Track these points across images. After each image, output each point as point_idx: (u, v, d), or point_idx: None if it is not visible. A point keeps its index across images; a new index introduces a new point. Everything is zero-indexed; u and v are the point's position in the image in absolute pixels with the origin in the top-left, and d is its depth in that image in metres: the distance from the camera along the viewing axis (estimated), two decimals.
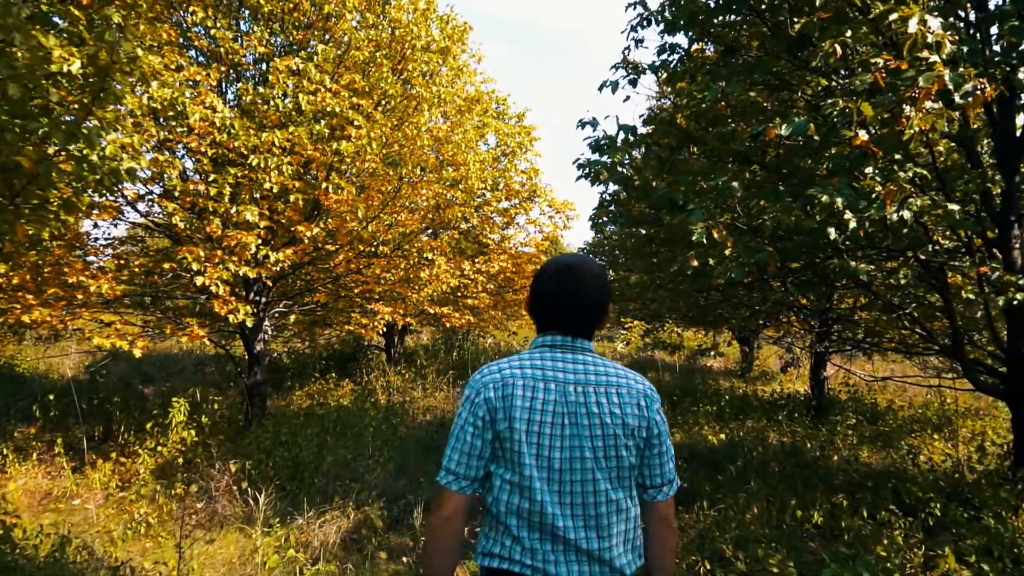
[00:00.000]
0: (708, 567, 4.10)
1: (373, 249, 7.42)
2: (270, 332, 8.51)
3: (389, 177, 7.35)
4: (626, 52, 4.85)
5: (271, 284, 7.45)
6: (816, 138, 3.14)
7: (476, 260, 10.35)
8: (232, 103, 7.11)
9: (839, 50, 3.11)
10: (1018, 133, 3.99)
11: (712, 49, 5.20)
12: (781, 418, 8.33)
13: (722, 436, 7.50)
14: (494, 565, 1.69)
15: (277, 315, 8.37)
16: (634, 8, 5.10)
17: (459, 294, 10.15)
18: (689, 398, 9.62)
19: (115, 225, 7.32)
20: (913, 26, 2.54)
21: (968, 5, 3.88)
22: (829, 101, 2.77)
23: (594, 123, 4.36)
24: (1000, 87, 3.21)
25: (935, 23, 2.58)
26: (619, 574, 1.67)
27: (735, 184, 3.43)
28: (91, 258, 6.70)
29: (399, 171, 7.33)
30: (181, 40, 6.74)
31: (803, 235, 3.68)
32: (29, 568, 3.66)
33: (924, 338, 5.39)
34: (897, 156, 3.27)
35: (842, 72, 4.24)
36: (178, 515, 5.02)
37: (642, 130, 4.94)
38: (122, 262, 6.69)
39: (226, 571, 4.15)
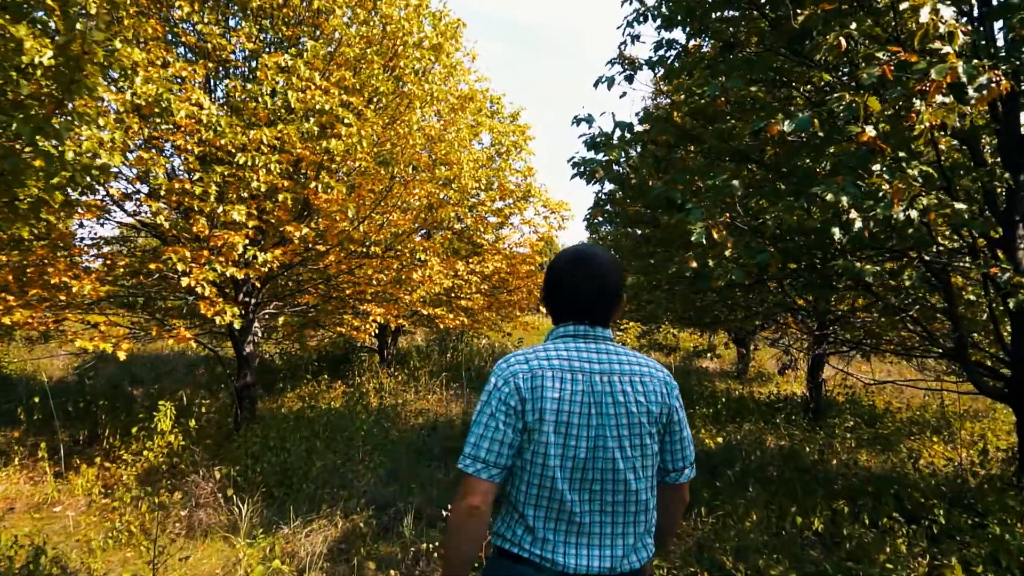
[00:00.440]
0: None
1: (365, 249, 7.28)
2: (260, 334, 8.37)
3: (380, 176, 7.21)
4: (622, 48, 4.73)
5: (260, 285, 7.32)
6: (820, 134, 3.02)
7: (470, 261, 10.22)
8: (221, 101, 6.97)
9: (843, 43, 3.00)
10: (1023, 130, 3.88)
11: (709, 46, 5.09)
12: (779, 421, 8.22)
13: (719, 439, 7.38)
14: (505, 547, 1.71)
15: (267, 316, 8.23)
16: (630, 3, 4.98)
17: (453, 295, 10.02)
18: (685, 400, 9.46)
19: (101, 224, 7.18)
20: (925, 16, 2.43)
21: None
22: (835, 95, 2.65)
23: (589, 120, 4.23)
24: (1010, 81, 3.10)
25: (948, 12, 2.47)
26: (634, 563, 1.69)
27: (735, 183, 3.31)
28: (76, 258, 6.55)
29: (391, 170, 7.19)
30: (169, 36, 6.60)
31: (805, 235, 3.57)
32: None
33: (925, 340, 5.29)
34: (901, 154, 3.16)
35: (845, 69, 4.14)
36: (161, 523, 4.88)
37: (638, 128, 4.83)
38: (108, 262, 6.55)
39: None
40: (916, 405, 9.91)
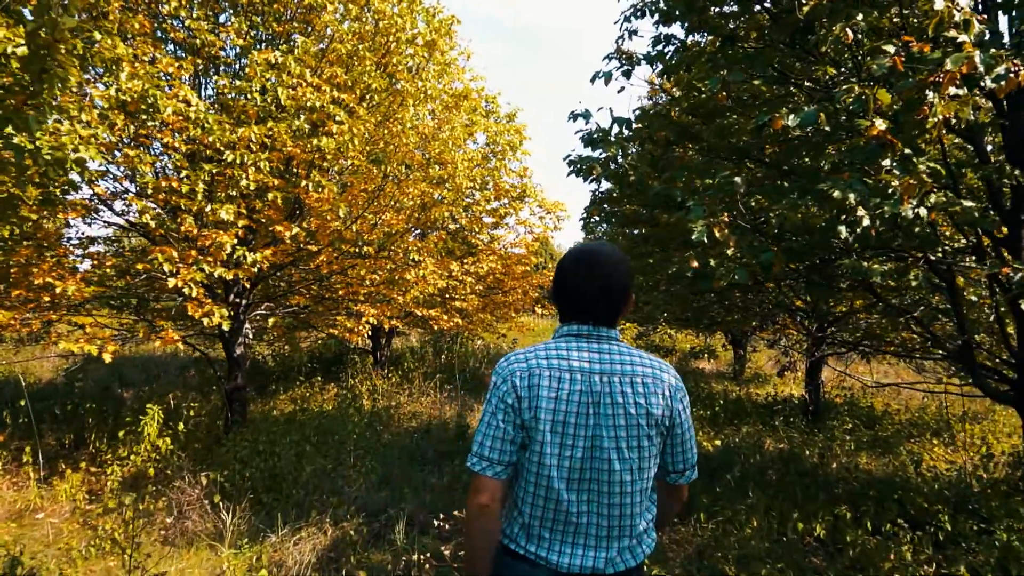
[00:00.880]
0: None
1: (357, 249, 7.15)
2: (251, 335, 8.23)
3: (373, 175, 7.09)
4: (619, 43, 4.61)
5: (250, 286, 7.18)
6: (827, 128, 2.91)
7: (465, 261, 10.11)
8: (211, 99, 6.84)
9: (850, 34, 2.89)
10: None
11: (707, 43, 4.98)
12: (778, 423, 8.12)
13: (717, 442, 7.27)
14: (505, 543, 1.74)
15: (259, 318, 8.09)
16: None
17: (447, 296, 9.90)
18: None
19: (89, 224, 7.04)
20: (940, 2, 2.32)
21: None
22: (844, 87, 2.54)
23: (586, 115, 4.12)
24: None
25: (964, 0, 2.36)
26: (629, 561, 1.70)
27: (738, 179, 3.19)
28: (63, 259, 6.40)
29: (383, 168, 7.07)
30: (158, 33, 6.46)
31: (809, 234, 3.46)
32: None
33: (928, 342, 5.19)
34: (907, 151, 3.06)
35: (848, 65, 4.03)
36: (146, 530, 4.74)
37: (636, 125, 4.72)
38: (95, 263, 6.42)
39: None
40: (915, 407, 9.83)
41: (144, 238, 7.28)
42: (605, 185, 5.04)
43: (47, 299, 5.57)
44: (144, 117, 5.46)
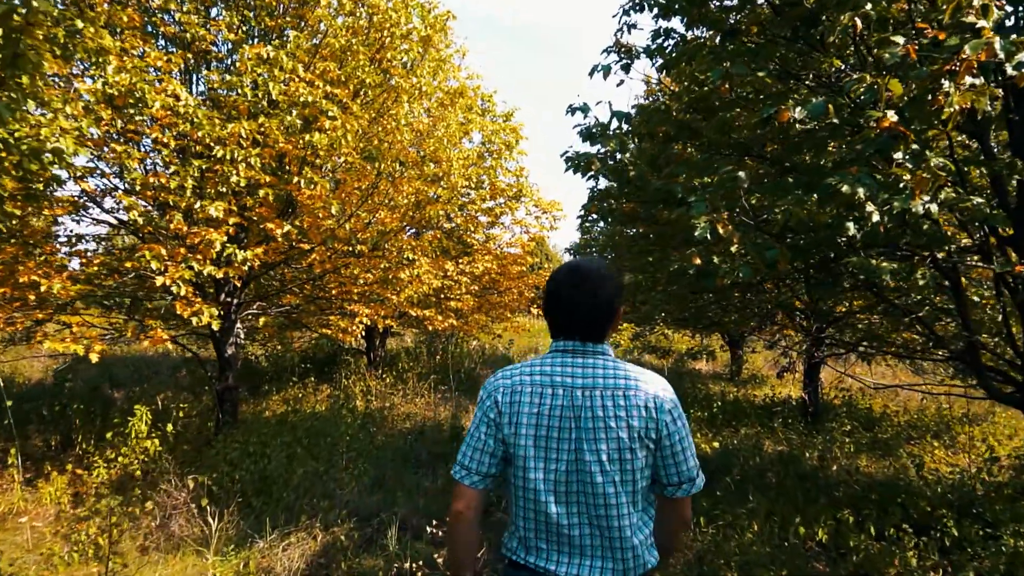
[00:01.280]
0: None
1: (351, 248, 7.04)
2: (242, 335, 8.10)
3: (367, 172, 6.97)
4: (618, 35, 4.51)
5: (241, 285, 7.06)
6: (835, 120, 2.81)
7: (460, 261, 10.00)
8: (203, 96, 6.71)
9: (859, 23, 2.79)
10: None
11: (707, 36, 4.88)
12: (776, 425, 8.03)
13: (715, 444, 7.17)
14: (508, 555, 1.81)
15: (251, 317, 7.97)
16: None
17: (442, 296, 9.79)
18: (680, 403, 9.23)
19: (77, 222, 6.91)
20: None
21: None
22: (855, 77, 2.44)
23: (585, 109, 4.00)
24: None
25: None
26: (630, 573, 1.71)
27: (741, 174, 3.09)
28: (50, 257, 6.27)
29: (377, 166, 6.95)
30: (148, 28, 6.34)
31: (814, 231, 3.35)
32: None
33: (932, 342, 5.10)
34: (915, 146, 2.96)
35: (852, 60, 3.93)
36: (133, 534, 4.62)
37: (635, 121, 4.61)
38: (83, 261, 6.30)
39: None
40: (913, 408, 9.75)
41: (135, 235, 7.16)
42: (604, 182, 4.91)
43: (33, 297, 5.44)
44: (132, 112, 5.34)
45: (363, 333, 10.73)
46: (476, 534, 1.79)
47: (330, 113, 5.96)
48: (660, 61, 4.45)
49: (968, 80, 2.26)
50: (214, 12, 6.83)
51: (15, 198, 4.37)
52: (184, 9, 6.15)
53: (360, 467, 5.77)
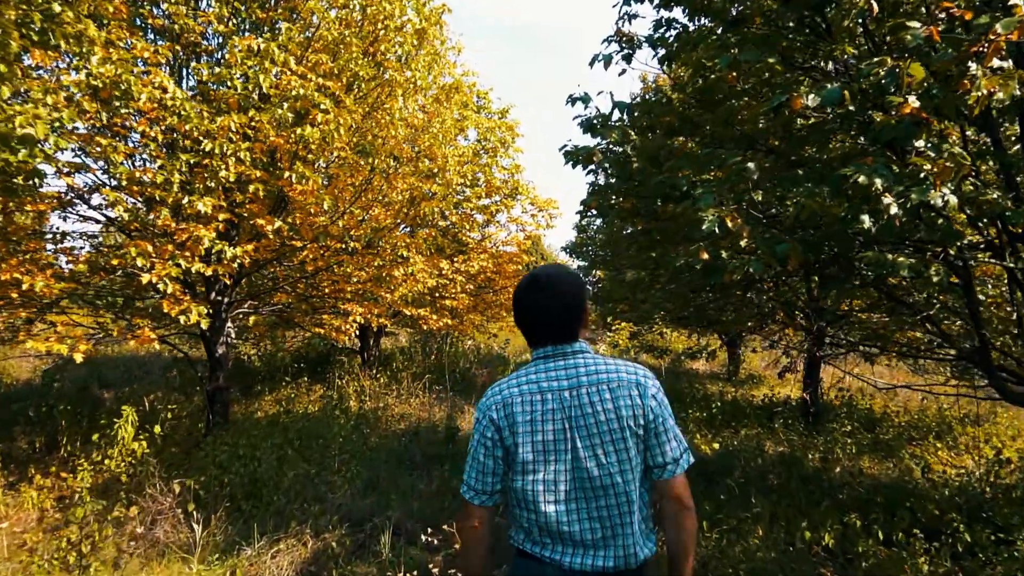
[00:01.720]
0: None
1: (344, 245, 6.89)
2: (233, 334, 7.95)
3: (360, 168, 6.82)
4: (619, 23, 4.37)
5: (232, 283, 6.90)
6: (851, 108, 2.68)
7: (455, 259, 9.85)
8: (194, 91, 6.54)
9: (875, 6, 2.66)
10: None
11: (709, 27, 4.75)
12: (777, 426, 7.90)
13: (715, 445, 7.03)
14: (516, 546, 1.85)
15: (242, 316, 7.81)
16: None
17: (437, 295, 9.64)
18: (678, 403, 9.14)
19: (64, 219, 6.73)
20: None
21: None
22: (875, 60, 2.31)
23: (586, 99, 3.86)
24: None
25: None
26: (630, 561, 1.75)
27: (751, 165, 2.95)
28: (35, 254, 6.10)
29: (371, 161, 6.80)
30: (137, 22, 6.17)
31: (827, 225, 3.22)
32: None
33: (941, 342, 4.98)
34: (923, 142, 2.83)
35: (864, 47, 3.80)
36: (117, 540, 4.45)
37: (637, 114, 4.48)
38: (70, 258, 6.14)
39: None
40: (914, 408, 9.65)
41: (121, 232, 6.99)
42: (604, 178, 4.77)
43: (16, 296, 5.27)
44: (117, 104, 5.18)
45: (357, 332, 10.58)
46: (489, 544, 1.87)
47: (322, 106, 5.81)
48: (663, 52, 4.31)
49: (995, 62, 2.13)
50: (204, 4, 6.68)
51: None
52: (172, 0, 5.99)
53: (353, 469, 5.61)
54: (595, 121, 3.91)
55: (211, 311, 6.35)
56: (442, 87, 9.23)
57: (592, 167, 4.00)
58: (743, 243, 2.82)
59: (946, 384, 6.77)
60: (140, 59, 5.45)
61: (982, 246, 4.37)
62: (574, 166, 4.12)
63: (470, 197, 10.99)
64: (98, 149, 5.25)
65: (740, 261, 2.77)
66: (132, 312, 7.24)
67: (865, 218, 2.68)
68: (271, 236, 6.01)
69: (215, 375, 7.13)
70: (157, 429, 5.92)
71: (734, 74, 3.45)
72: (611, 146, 3.91)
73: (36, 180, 5.00)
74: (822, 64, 3.88)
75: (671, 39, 4.40)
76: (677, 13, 4.61)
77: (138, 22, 6.22)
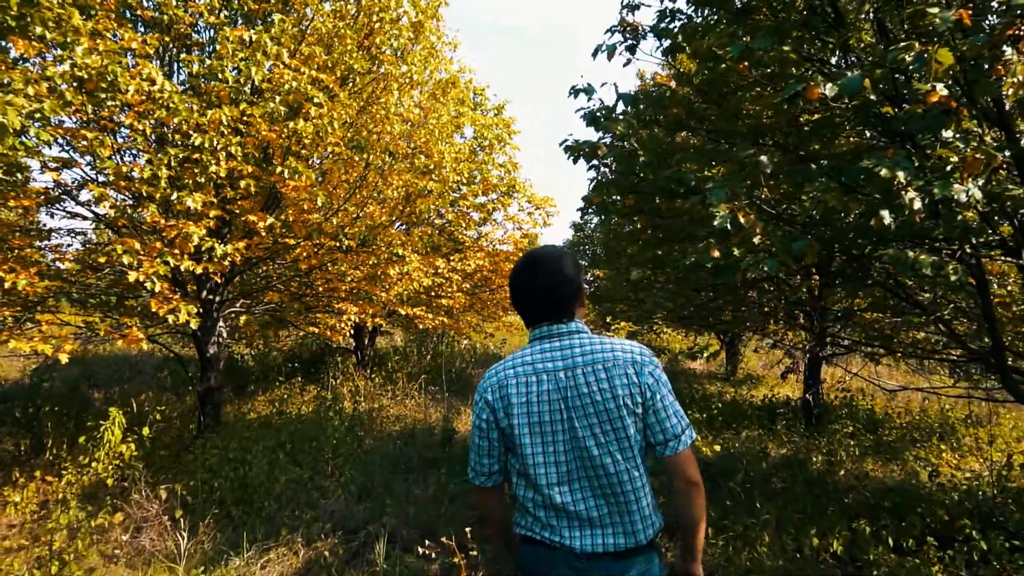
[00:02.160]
0: None
1: (338, 243, 6.74)
2: (225, 334, 7.79)
3: (354, 163, 6.67)
4: (623, 13, 4.22)
5: (223, 281, 6.74)
6: (872, 97, 2.54)
7: (451, 258, 9.71)
8: (185, 86, 6.37)
9: None
10: None
11: (715, 17, 4.62)
12: (779, 427, 7.78)
13: (716, 447, 6.90)
14: (522, 533, 1.84)
15: (234, 315, 7.65)
16: None
17: (433, 293, 9.50)
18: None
19: (51, 216, 6.57)
20: None
21: None
22: (901, 45, 2.17)
23: (589, 90, 3.71)
24: None
25: None
26: (638, 537, 1.74)
27: (763, 159, 2.82)
28: (19, 251, 5.94)
29: (365, 157, 6.65)
30: (126, 14, 6.00)
31: (844, 220, 3.09)
32: None
33: (946, 342, 4.85)
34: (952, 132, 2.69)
35: (876, 37, 3.67)
36: (102, 547, 4.30)
37: (642, 106, 4.33)
38: (56, 256, 5.98)
39: None
40: (915, 409, 9.54)
41: (111, 229, 6.83)
42: (608, 173, 4.62)
43: None
44: (104, 96, 5.02)
45: (351, 332, 10.43)
46: (503, 512, 1.96)
47: (316, 100, 5.66)
48: (668, 43, 4.17)
49: None
50: None
51: None
52: None
53: (347, 474, 5.46)
54: (599, 114, 3.77)
55: (201, 310, 6.19)
56: (438, 82, 9.08)
57: (595, 162, 3.85)
58: (756, 240, 2.68)
59: (955, 386, 6.65)
60: (128, 50, 5.29)
61: (994, 244, 4.25)
62: (576, 161, 3.98)
63: (466, 195, 10.84)
64: (84, 143, 5.10)
65: (754, 259, 2.63)
66: (122, 311, 7.07)
67: (885, 213, 2.55)
68: (263, 233, 5.85)
69: (206, 375, 6.97)
70: (146, 431, 5.76)
71: (745, 64, 3.30)
72: (615, 141, 3.77)
73: (20, 175, 4.83)
74: (831, 58, 3.75)
75: (675, 29, 4.26)
76: (681, 3, 4.48)
77: (127, 14, 6.05)
